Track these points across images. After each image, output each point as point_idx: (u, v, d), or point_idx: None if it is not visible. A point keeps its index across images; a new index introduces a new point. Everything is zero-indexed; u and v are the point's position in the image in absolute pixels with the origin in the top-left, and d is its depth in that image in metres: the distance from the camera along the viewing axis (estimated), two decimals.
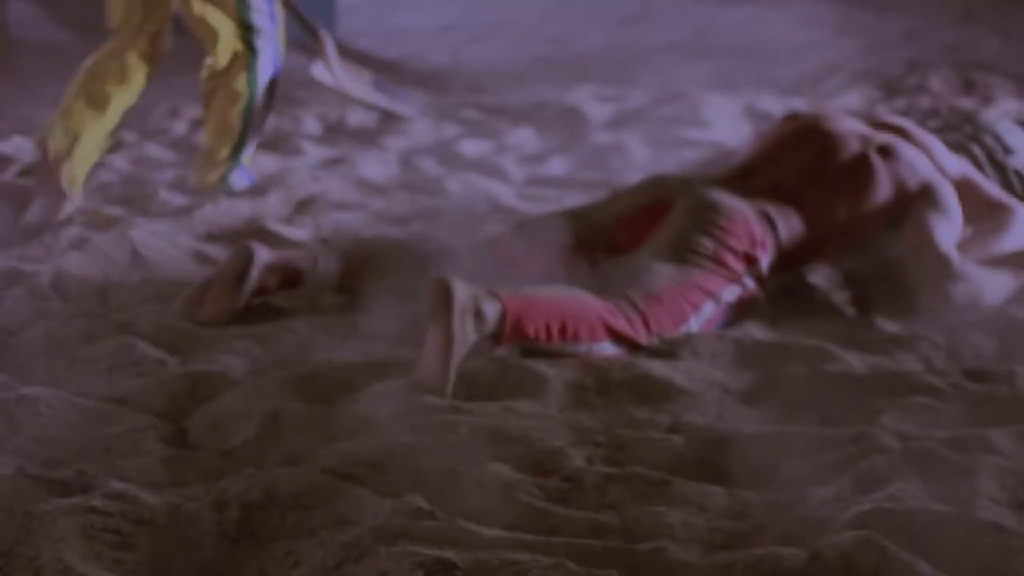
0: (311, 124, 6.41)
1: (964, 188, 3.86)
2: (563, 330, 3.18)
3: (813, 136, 3.81)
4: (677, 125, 6.22)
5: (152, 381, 3.11)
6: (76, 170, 4.64)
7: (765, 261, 3.57)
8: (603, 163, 5.60)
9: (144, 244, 4.17)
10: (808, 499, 2.47)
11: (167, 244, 4.26)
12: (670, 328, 3.35)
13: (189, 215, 4.58)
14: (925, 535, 2.25)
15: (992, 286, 3.64)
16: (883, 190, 3.71)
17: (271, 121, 5.24)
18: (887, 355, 3.31)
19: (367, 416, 2.86)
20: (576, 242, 3.67)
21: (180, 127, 6.40)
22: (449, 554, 2.16)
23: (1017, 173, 4.23)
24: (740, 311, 3.53)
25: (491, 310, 3.07)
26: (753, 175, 3.76)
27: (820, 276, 3.80)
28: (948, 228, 3.69)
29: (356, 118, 6.41)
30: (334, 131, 6.29)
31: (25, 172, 5.33)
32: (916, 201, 3.71)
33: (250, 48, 4.81)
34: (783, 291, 3.70)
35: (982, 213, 3.90)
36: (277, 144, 5.83)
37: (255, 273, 3.55)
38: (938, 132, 4.28)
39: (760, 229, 3.57)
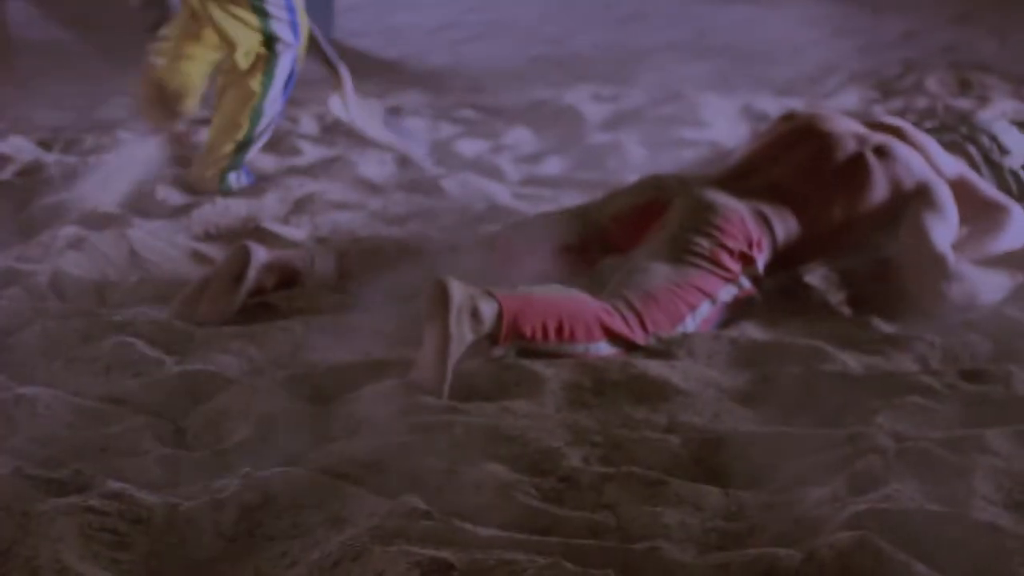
0: (308, 124, 6.41)
1: (960, 188, 3.87)
2: (560, 330, 3.18)
3: (809, 136, 3.82)
4: (674, 125, 6.22)
5: (149, 381, 3.11)
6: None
7: (761, 261, 3.57)
8: (600, 163, 5.60)
9: (142, 244, 4.17)
10: (804, 499, 2.47)
11: (165, 244, 4.26)
12: (666, 328, 3.35)
13: (187, 215, 4.58)
14: (921, 535, 2.25)
15: (988, 286, 3.65)
16: (879, 190, 3.72)
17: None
18: (883, 355, 3.31)
19: (364, 416, 2.86)
20: (573, 242, 3.68)
21: (178, 126, 6.39)
22: (445, 554, 2.16)
23: (1013, 173, 4.23)
24: (736, 311, 3.53)
25: (488, 310, 3.07)
26: (750, 175, 3.76)
27: (816, 276, 3.81)
28: (944, 228, 3.69)
29: None
30: (331, 131, 6.28)
31: (24, 172, 5.33)
32: (912, 201, 3.71)
33: (272, 52, 4.85)
34: (779, 291, 3.70)
35: (978, 213, 3.90)
36: (274, 144, 5.83)
37: (252, 273, 3.56)
38: (934, 132, 4.29)
39: (756, 229, 3.57)
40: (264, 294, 3.65)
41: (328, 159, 5.53)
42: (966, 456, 2.58)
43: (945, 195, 3.75)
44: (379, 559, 2.17)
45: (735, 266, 3.51)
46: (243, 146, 4.93)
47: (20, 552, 2.25)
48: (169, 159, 5.21)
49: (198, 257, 4.25)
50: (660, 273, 3.41)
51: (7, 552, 2.26)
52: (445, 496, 2.48)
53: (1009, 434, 2.71)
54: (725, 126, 6.26)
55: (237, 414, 2.91)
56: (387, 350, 3.29)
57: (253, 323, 3.49)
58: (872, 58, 8.18)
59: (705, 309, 3.44)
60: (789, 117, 4.01)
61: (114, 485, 2.45)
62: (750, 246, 3.54)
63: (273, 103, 4.91)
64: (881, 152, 3.77)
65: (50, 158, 5.57)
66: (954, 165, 3.97)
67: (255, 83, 4.86)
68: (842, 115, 4.11)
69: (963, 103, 6.76)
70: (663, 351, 3.27)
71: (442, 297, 2.99)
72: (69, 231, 4.21)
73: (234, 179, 4.93)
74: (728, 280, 3.50)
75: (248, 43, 4.85)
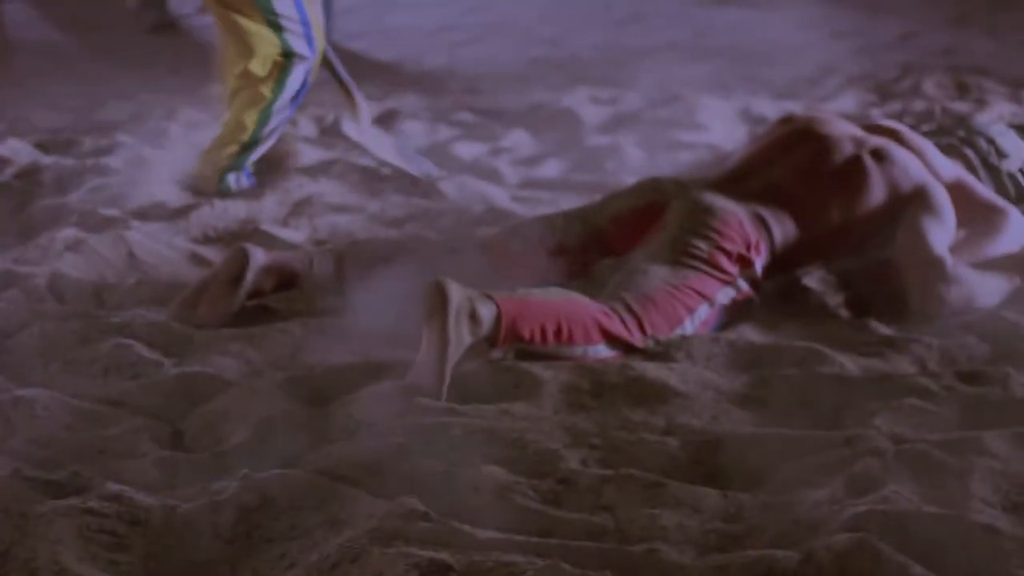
0: (307, 126, 6.41)
1: (957, 191, 3.87)
2: (558, 332, 3.18)
3: (807, 139, 3.82)
4: (672, 127, 6.22)
5: (148, 383, 3.11)
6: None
7: (759, 264, 3.57)
8: (598, 165, 5.60)
9: (140, 246, 4.18)
10: (802, 501, 2.47)
11: (163, 246, 4.26)
12: (665, 330, 3.35)
13: (185, 217, 4.59)
14: (919, 537, 2.26)
15: (986, 289, 3.65)
16: (876, 193, 3.72)
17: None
18: (881, 357, 3.31)
19: (362, 418, 2.87)
20: (571, 244, 3.68)
21: (176, 129, 6.40)
22: (444, 555, 2.17)
23: (1010, 176, 4.24)
24: (735, 313, 3.53)
25: (486, 312, 3.07)
26: (747, 178, 3.76)
27: (814, 279, 3.81)
28: (941, 231, 3.69)
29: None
30: (329, 133, 6.28)
31: (21, 174, 5.33)
32: (909, 204, 3.71)
33: (287, 62, 4.89)
34: (777, 293, 3.70)
35: (975, 216, 3.90)
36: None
37: (251, 275, 3.56)
38: (932, 135, 4.29)
39: (754, 232, 3.58)
40: (262, 296, 3.65)
41: (327, 161, 5.53)
42: (964, 458, 2.58)
43: (942, 198, 3.75)
44: (378, 561, 2.17)
45: (733, 269, 3.51)
46: (246, 148, 4.95)
47: (18, 554, 2.25)
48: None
49: (196, 259, 4.25)
50: (658, 276, 3.41)
51: (5, 554, 2.26)
52: (443, 498, 2.48)
53: (1007, 436, 2.71)
54: (723, 129, 6.26)
55: (235, 416, 2.91)
56: (385, 352, 3.29)
57: (251, 325, 3.49)
58: (870, 61, 8.18)
59: (703, 312, 3.45)
60: (787, 120, 4.02)
61: (112, 487, 2.45)
62: (748, 249, 3.55)
63: (281, 110, 4.95)
64: (878, 155, 3.77)
65: (48, 160, 5.57)
66: (951, 168, 3.97)
67: (266, 89, 4.89)
68: (840, 118, 4.11)
69: (961, 106, 6.76)
70: (661, 353, 3.27)
71: (441, 300, 2.99)
72: (67, 233, 4.21)
73: (233, 180, 4.94)
74: (726, 283, 3.50)
75: (265, 52, 4.88)
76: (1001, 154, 4.24)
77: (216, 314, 3.53)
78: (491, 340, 3.11)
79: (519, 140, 6.18)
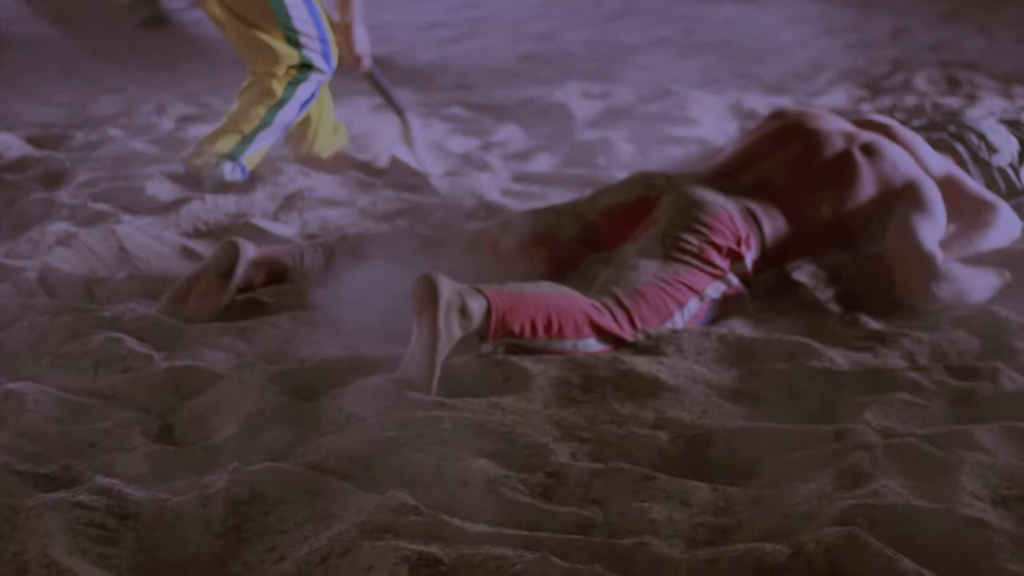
0: None
1: (948, 186, 3.88)
2: (548, 326, 3.19)
3: (798, 134, 3.83)
4: (663, 122, 6.23)
5: (138, 377, 3.11)
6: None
7: (750, 258, 3.58)
8: (589, 160, 5.61)
9: (131, 240, 4.17)
10: (792, 495, 2.47)
11: (154, 240, 4.26)
12: (655, 324, 3.36)
13: (176, 211, 4.58)
14: (908, 531, 2.26)
15: (976, 285, 3.65)
16: (867, 188, 3.73)
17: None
18: (871, 352, 3.31)
19: (352, 412, 2.87)
20: (561, 238, 3.68)
21: (167, 123, 6.40)
22: (433, 549, 2.17)
23: (1001, 171, 4.24)
24: (725, 308, 3.54)
25: (476, 306, 3.07)
26: (738, 173, 3.77)
27: (804, 273, 3.81)
28: (932, 227, 3.70)
29: (341, 116, 6.41)
30: None
31: (12, 168, 5.33)
32: (900, 199, 3.72)
33: (304, 71, 4.94)
34: (768, 288, 3.70)
35: (966, 211, 3.91)
36: None
37: (241, 269, 3.56)
38: (922, 130, 4.30)
39: (744, 226, 3.58)
40: (253, 290, 3.65)
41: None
42: (953, 452, 2.59)
43: (933, 193, 3.76)
44: (367, 554, 2.17)
45: (723, 263, 3.52)
46: (248, 138, 4.96)
47: (8, 547, 2.25)
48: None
49: (187, 253, 4.25)
50: (649, 270, 3.41)
51: None
52: (433, 491, 2.48)
53: (996, 430, 2.72)
54: (714, 123, 6.26)
55: (226, 409, 2.91)
56: (375, 346, 3.29)
57: (242, 319, 3.49)
58: (861, 56, 8.18)
59: (693, 306, 3.45)
60: (778, 115, 4.02)
61: (102, 480, 2.45)
62: (738, 243, 3.55)
63: (288, 113, 5.00)
64: (869, 150, 3.77)
65: (39, 155, 5.57)
66: (942, 163, 3.98)
67: (278, 87, 4.95)
68: (830, 113, 4.12)
69: (951, 101, 6.77)
70: (651, 347, 3.27)
71: (431, 293, 2.99)
72: (58, 227, 4.21)
73: (228, 170, 4.94)
74: (716, 277, 3.50)
75: (289, 60, 4.96)
76: (991, 149, 4.25)
77: (206, 308, 3.53)
78: (481, 334, 3.11)
79: (510, 135, 6.19)
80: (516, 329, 3.15)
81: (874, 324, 3.53)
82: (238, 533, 2.37)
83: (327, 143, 5.33)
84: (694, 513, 2.44)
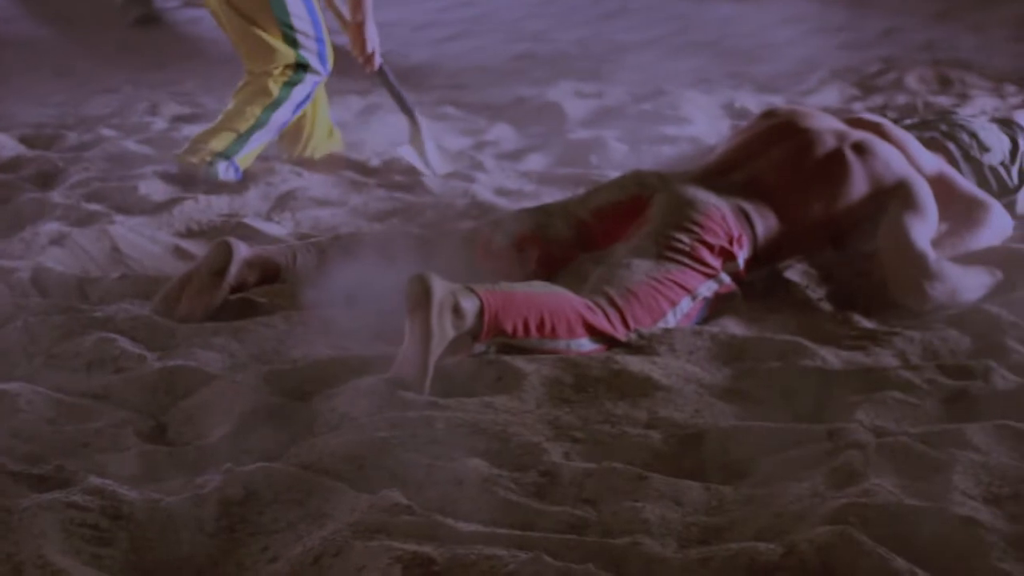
0: None
1: (939, 185, 3.88)
2: (541, 326, 3.19)
3: (789, 133, 3.83)
4: (656, 121, 6.22)
5: (131, 377, 3.11)
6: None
7: (742, 257, 3.58)
8: (581, 159, 5.61)
9: (124, 240, 4.17)
10: (784, 494, 2.47)
11: (147, 240, 4.26)
12: (647, 324, 3.36)
13: (169, 211, 4.58)
14: (900, 530, 2.26)
15: (968, 283, 3.65)
16: (858, 186, 3.73)
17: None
18: (863, 351, 3.32)
19: (345, 412, 2.87)
20: (553, 238, 3.68)
21: (160, 123, 6.40)
22: (427, 549, 2.17)
23: (992, 170, 4.25)
24: (717, 307, 3.54)
25: (469, 306, 3.07)
26: (730, 171, 3.77)
27: (797, 272, 3.81)
28: (923, 226, 3.70)
29: (333, 116, 6.42)
30: None
31: (5, 168, 5.33)
32: (892, 198, 3.72)
33: (300, 71, 4.94)
34: (760, 287, 3.71)
35: (957, 210, 3.92)
36: None
37: (234, 269, 3.56)
38: (914, 129, 4.30)
39: (737, 225, 3.58)
40: (246, 290, 3.65)
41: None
42: (945, 451, 2.59)
43: (925, 192, 3.76)
44: (360, 554, 2.18)
45: (716, 262, 3.52)
46: (242, 137, 4.96)
47: (1, 548, 2.25)
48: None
49: (180, 253, 4.25)
50: (641, 269, 3.42)
51: None
52: (426, 491, 2.48)
53: (988, 429, 2.72)
54: (706, 123, 6.26)
55: (219, 410, 2.91)
56: (368, 346, 3.30)
57: (235, 319, 3.49)
58: (853, 55, 8.18)
59: (686, 305, 3.45)
60: (769, 114, 4.02)
61: (96, 481, 2.45)
62: (730, 242, 3.55)
63: (283, 114, 5.02)
64: (860, 149, 3.78)
65: (32, 154, 5.57)
66: (934, 162, 3.98)
67: (274, 86, 4.96)
68: (822, 112, 4.13)
69: (943, 100, 6.77)
70: (644, 347, 3.27)
71: (424, 293, 2.99)
72: (51, 227, 4.21)
73: (222, 168, 4.95)
74: (709, 276, 3.51)
75: (285, 59, 4.97)
76: (983, 148, 4.25)
77: (199, 307, 3.53)
78: (474, 334, 3.11)
79: (503, 134, 6.19)
80: (509, 329, 3.15)
81: (866, 323, 3.53)
82: (231, 533, 2.37)
83: (321, 146, 5.33)
84: (687, 512, 2.44)
